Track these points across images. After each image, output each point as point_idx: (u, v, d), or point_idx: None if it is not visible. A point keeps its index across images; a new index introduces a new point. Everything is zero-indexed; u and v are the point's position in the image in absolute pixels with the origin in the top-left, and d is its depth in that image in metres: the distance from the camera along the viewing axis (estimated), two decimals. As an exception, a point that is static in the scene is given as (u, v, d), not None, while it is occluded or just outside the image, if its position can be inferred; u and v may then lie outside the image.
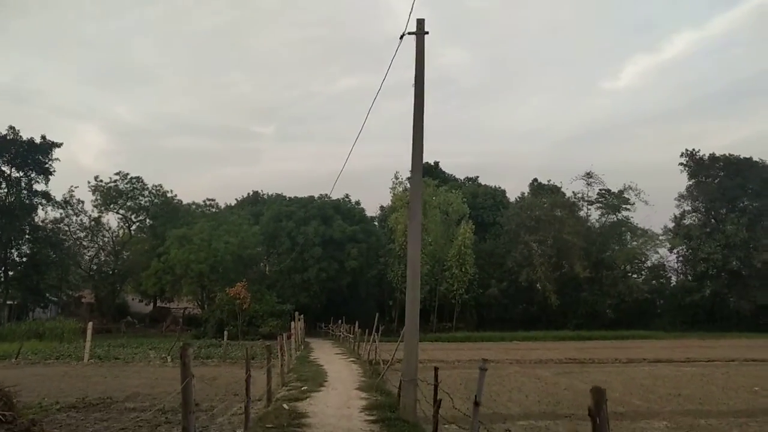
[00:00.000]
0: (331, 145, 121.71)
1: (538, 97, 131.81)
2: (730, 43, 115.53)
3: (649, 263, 62.06)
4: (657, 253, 61.10)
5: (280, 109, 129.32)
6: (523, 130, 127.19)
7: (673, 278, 62.46)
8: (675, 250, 60.74)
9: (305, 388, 15.63)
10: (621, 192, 61.88)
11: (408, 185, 60.88)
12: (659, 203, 60.66)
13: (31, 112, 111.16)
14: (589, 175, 62.21)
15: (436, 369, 9.11)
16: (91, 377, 22.16)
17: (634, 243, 60.86)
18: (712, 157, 61.24)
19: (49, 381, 21.11)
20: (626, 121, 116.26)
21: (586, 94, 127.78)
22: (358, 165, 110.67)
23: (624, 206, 61.98)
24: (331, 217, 52.36)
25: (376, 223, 61.42)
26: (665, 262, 61.82)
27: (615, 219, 62.54)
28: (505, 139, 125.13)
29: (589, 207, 64.16)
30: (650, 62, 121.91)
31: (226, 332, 30.74)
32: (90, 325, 28.38)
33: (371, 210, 64.27)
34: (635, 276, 61.98)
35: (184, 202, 59.20)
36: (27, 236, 48.91)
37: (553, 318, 55.47)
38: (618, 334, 47.81)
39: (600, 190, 63.07)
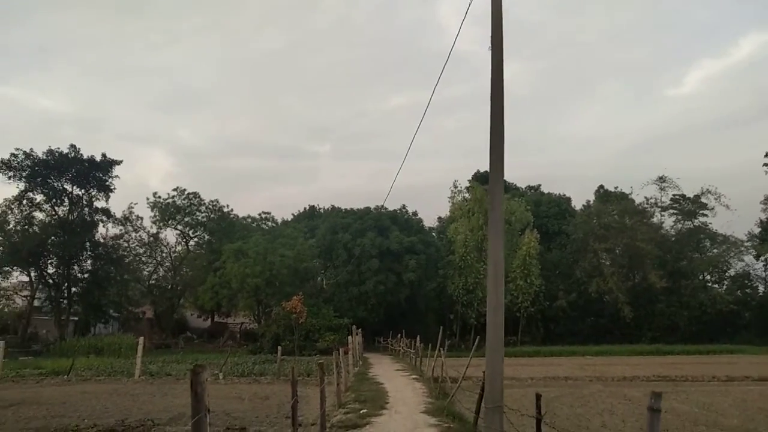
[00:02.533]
0: (386, 162, 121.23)
1: (597, 106, 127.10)
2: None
3: (732, 272, 57.24)
4: (742, 260, 56.30)
5: (336, 128, 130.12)
6: (584, 139, 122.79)
7: (761, 288, 57.32)
8: (762, 258, 55.76)
9: (364, 411, 13.75)
10: (697, 197, 57.56)
11: (467, 195, 58.80)
12: (740, 209, 55.81)
13: (99, 139, 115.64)
14: (662, 179, 58.21)
15: (538, 397, 7.03)
16: (139, 395, 21.02)
17: (715, 250, 56.33)
18: (801, 155, 56.20)
19: (95, 399, 20.07)
20: (693, 128, 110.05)
21: (648, 101, 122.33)
22: (414, 180, 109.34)
23: (701, 212, 57.63)
24: (388, 228, 50.63)
25: (434, 234, 59.21)
26: (751, 271, 56.81)
27: (691, 225, 58.19)
28: (566, 150, 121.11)
29: (663, 213, 59.98)
30: (716, 66, 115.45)
31: (280, 348, 29.34)
32: (141, 340, 27.44)
33: (428, 222, 62.27)
34: (716, 286, 57.33)
35: (240, 216, 58.80)
36: (88, 253, 49.30)
37: (626, 331, 51.69)
38: (701, 348, 43.90)
39: (674, 195, 58.95)
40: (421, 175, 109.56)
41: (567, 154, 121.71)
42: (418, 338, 28.19)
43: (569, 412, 15.49)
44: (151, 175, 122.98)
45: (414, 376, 23.20)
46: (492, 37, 9.60)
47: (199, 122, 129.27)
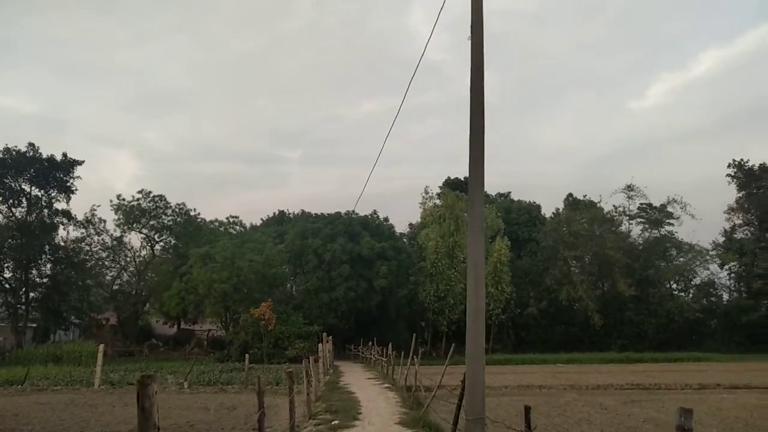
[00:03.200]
0: (357, 168, 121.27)
1: (565, 116, 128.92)
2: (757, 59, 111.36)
3: (697, 280, 58.21)
4: (707, 269, 57.27)
5: (306, 133, 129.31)
6: (553, 149, 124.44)
7: (725, 296, 58.41)
8: (727, 266, 56.85)
9: (336, 422, 13.12)
10: (664, 206, 58.44)
11: (438, 201, 58.56)
12: (704, 218, 56.98)
13: (64, 140, 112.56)
14: (629, 188, 58.98)
15: (527, 410, 6.53)
16: (98, 406, 20.01)
17: (681, 259, 57.19)
18: (763, 167, 57.69)
19: (51, 410, 19.00)
20: (656, 140, 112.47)
21: (613, 113, 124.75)
22: (384, 187, 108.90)
23: (667, 220, 58.52)
24: (359, 233, 49.99)
25: (405, 241, 58.79)
26: (716, 279, 57.82)
27: (658, 234, 59.00)
28: (535, 159, 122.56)
29: (630, 222, 60.74)
30: (677, 80, 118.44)
31: (247, 356, 28.47)
32: (101, 347, 26.31)
33: (399, 229, 61.81)
34: (682, 294, 58.18)
35: (208, 220, 57.40)
36: (47, 256, 47.44)
37: (595, 339, 52.01)
38: (670, 356, 44.33)
39: (641, 204, 59.72)
40: (391, 181, 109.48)
41: (536, 162, 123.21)
42: (390, 346, 27.62)
43: (547, 422, 15.12)
44: (116, 178, 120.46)
45: (386, 385, 22.62)
46: (472, 32, 9.18)
47: (168, 125, 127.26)
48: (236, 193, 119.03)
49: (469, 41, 9.09)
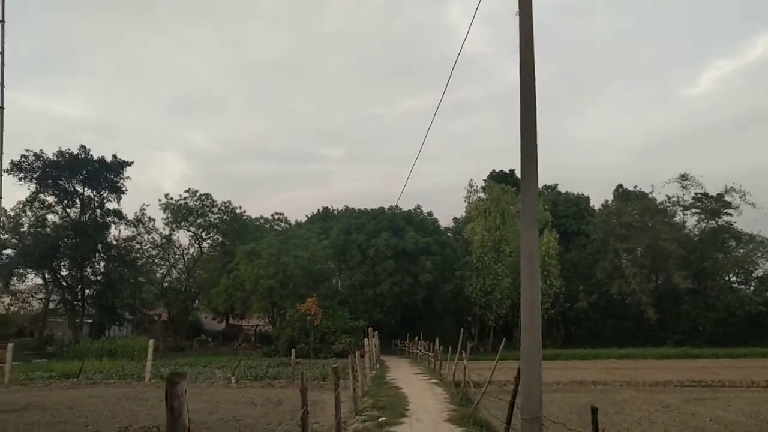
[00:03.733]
0: (399, 165, 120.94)
1: (610, 107, 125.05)
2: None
3: (759, 272, 55.41)
4: (772, 261, 54.43)
5: (347, 131, 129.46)
6: (597, 141, 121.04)
7: (790, 288, 55.39)
8: (792, 257, 54.02)
9: (383, 418, 12.76)
10: (721, 195, 55.85)
11: (483, 195, 57.49)
12: (765, 207, 54.07)
13: (115, 144, 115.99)
14: (684, 177, 56.62)
15: (594, 410, 5.99)
16: (147, 399, 20.26)
17: (741, 250, 54.58)
18: (829, 151, 54.46)
19: (103, 403, 19.33)
20: (710, 128, 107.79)
21: (662, 101, 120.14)
22: (427, 183, 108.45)
23: (725, 210, 55.93)
24: (403, 228, 49.59)
25: (449, 235, 58.01)
26: (779, 272, 54.94)
27: (715, 225, 56.50)
28: (580, 151, 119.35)
29: (685, 212, 58.38)
30: (730, 66, 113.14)
31: (294, 350, 28.45)
32: (151, 342, 26.72)
33: (444, 224, 61.05)
34: (743, 287, 55.55)
35: (253, 218, 57.97)
36: (101, 254, 48.82)
37: (649, 333, 50.17)
38: (731, 351, 42.35)
39: (696, 194, 57.29)
40: (434, 177, 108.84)
41: (583, 154, 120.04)
42: (437, 341, 27.14)
43: (605, 420, 14.40)
44: (165, 179, 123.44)
45: (433, 381, 22.18)
46: (520, 5, 8.59)
47: (212, 126, 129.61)
48: (279, 191, 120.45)
49: (517, 16, 8.51)
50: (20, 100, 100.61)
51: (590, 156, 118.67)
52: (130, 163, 48.75)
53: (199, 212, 55.10)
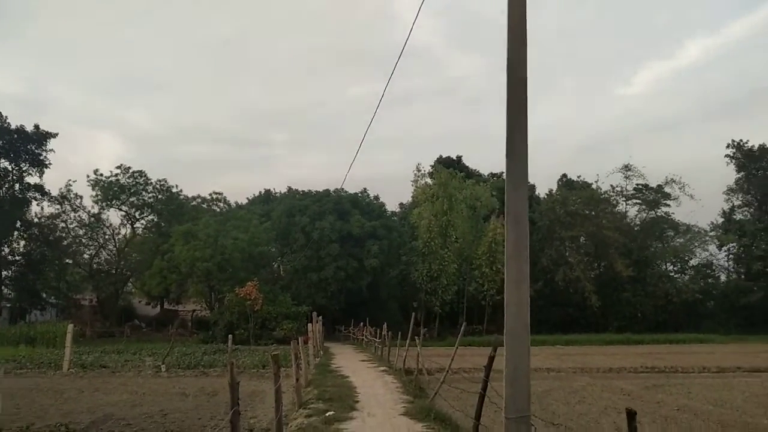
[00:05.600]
0: (345, 153, 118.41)
1: (553, 101, 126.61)
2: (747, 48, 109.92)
3: (694, 261, 56.94)
4: (706, 250, 56.00)
5: (293, 116, 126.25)
6: (542, 132, 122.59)
7: (723, 277, 57.25)
8: (725, 248, 55.64)
9: (331, 413, 11.25)
10: (661, 186, 56.95)
11: (429, 180, 56.45)
12: (701, 200, 55.58)
13: (46, 121, 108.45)
14: (627, 167, 57.36)
15: (631, 416, 4.61)
16: (64, 391, 18.08)
17: (680, 240, 55.87)
18: (762, 148, 56.28)
19: (9, 397, 16.92)
20: (643, 126, 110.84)
21: (601, 99, 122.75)
22: (374, 171, 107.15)
23: (665, 201, 57.10)
24: (349, 211, 47.96)
25: (396, 220, 56.79)
26: (714, 260, 56.61)
27: (654, 215, 57.63)
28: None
29: (627, 203, 59.26)
30: (664, 68, 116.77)
31: (231, 337, 26.61)
32: (70, 327, 24.35)
33: (390, 209, 59.74)
34: (678, 276, 56.97)
35: (190, 197, 54.83)
36: (20, 233, 44.96)
37: (592, 320, 50.69)
38: (670, 337, 43.23)
39: (637, 184, 58.21)
40: (381, 167, 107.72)
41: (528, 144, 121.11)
42: (384, 326, 25.83)
43: (568, 410, 13.41)
44: (101, 160, 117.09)
45: (382, 368, 20.84)
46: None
47: (152, 107, 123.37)
48: (222, 174, 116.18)
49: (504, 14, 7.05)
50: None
51: (536, 149, 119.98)
52: (54, 135, 45.10)
53: (132, 190, 51.58)
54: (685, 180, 55.54)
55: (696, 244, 55.74)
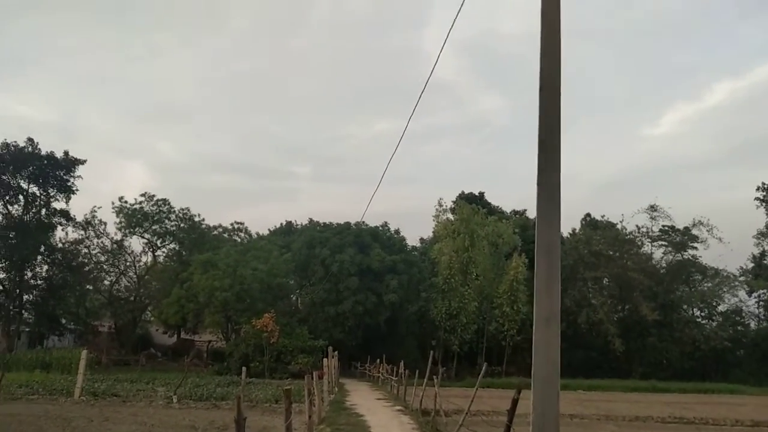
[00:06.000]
0: (368, 186, 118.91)
1: (577, 141, 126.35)
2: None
3: (722, 308, 55.17)
4: (735, 296, 54.30)
5: (317, 150, 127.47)
6: (566, 172, 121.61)
7: (753, 324, 55.31)
8: (755, 294, 53.89)
9: (344, 453, 10.74)
10: (688, 228, 55.69)
11: (451, 216, 56.06)
12: (731, 243, 54.18)
13: (77, 149, 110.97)
14: (653, 208, 56.18)
15: None
16: (72, 419, 17.74)
17: (708, 284, 54.30)
18: (794, 190, 55.01)
19: (17, 424, 16.73)
20: (672, 167, 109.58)
21: (626, 140, 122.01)
22: (396, 205, 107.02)
23: (692, 244, 55.74)
24: (369, 245, 47.60)
25: (416, 254, 56.23)
26: (743, 307, 54.80)
27: (681, 258, 56.24)
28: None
29: (652, 244, 58.00)
30: (690, 110, 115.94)
31: (245, 369, 26.17)
32: (84, 353, 24.18)
33: (411, 243, 59.20)
34: (706, 321, 55.22)
35: (212, 225, 55.07)
36: (43, 257, 45.35)
37: (615, 365, 49.15)
38: (699, 386, 41.56)
39: (663, 226, 57.03)
40: (403, 201, 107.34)
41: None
42: (401, 364, 25.19)
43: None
44: (127, 188, 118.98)
45: (398, 408, 20.19)
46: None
47: (178, 138, 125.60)
48: (244, 207, 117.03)
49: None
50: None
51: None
52: (82, 162, 45.84)
53: (155, 218, 52.00)
54: (713, 222, 54.28)
55: (725, 290, 54.12)
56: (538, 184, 6.35)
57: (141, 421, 17.84)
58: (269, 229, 63.11)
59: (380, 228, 52.49)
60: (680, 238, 55.87)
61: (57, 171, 44.21)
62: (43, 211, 44.97)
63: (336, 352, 33.75)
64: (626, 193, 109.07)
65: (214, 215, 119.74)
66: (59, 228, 46.68)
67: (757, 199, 56.40)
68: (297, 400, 18.14)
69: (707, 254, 54.94)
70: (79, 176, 45.54)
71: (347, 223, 50.97)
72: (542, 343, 6.16)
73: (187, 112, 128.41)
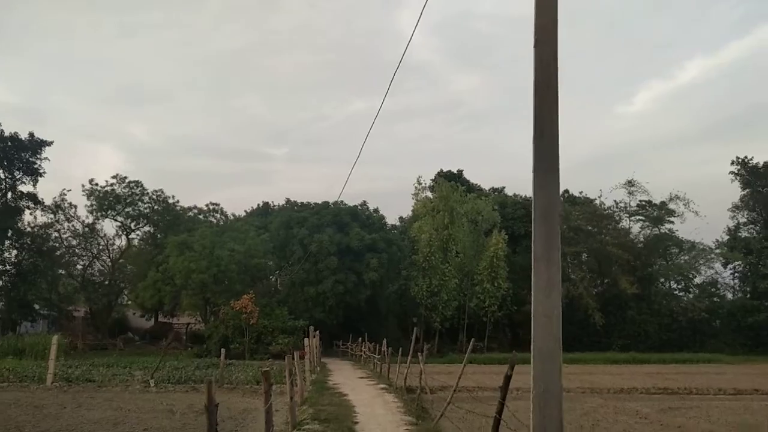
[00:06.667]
0: (345, 167, 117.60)
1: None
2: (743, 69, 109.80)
3: (698, 280, 55.98)
4: (711, 268, 55.06)
5: (293, 131, 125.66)
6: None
7: (729, 295, 56.25)
8: (731, 265, 54.73)
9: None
10: (665, 203, 56.10)
11: (430, 194, 55.73)
12: (706, 217, 54.86)
13: (46, 132, 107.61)
14: (630, 183, 56.44)
15: None
16: (45, 407, 17.03)
17: (685, 257, 54.94)
18: (767, 165, 55.62)
19: (-16, 412, 15.99)
20: (645, 144, 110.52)
21: (600, 118, 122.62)
22: (373, 186, 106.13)
23: (669, 218, 56.21)
24: (348, 224, 47.01)
25: (396, 233, 55.85)
26: (719, 279, 55.65)
27: (658, 231, 56.74)
28: (520, 163, 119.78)
29: (630, 219, 58.36)
30: (664, 87, 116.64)
31: (223, 350, 25.58)
32: (55, 338, 23.37)
33: (390, 222, 58.76)
34: (683, 294, 56.00)
35: (186, 207, 53.93)
36: (11, 242, 43.92)
37: (595, 338, 49.49)
38: (677, 357, 42.15)
39: (641, 201, 57.37)
40: (381, 182, 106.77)
41: (523, 167, 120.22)
42: (384, 342, 24.86)
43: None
44: (101, 172, 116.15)
45: (382, 386, 19.84)
46: None
47: (152, 120, 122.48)
48: (220, 189, 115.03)
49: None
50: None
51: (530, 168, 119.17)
52: (49, 143, 44.28)
53: (128, 200, 50.67)
54: (689, 197, 54.74)
55: (701, 262, 54.85)
56: (534, 138, 5.82)
57: (116, 406, 17.21)
58: (245, 211, 62.13)
59: (359, 207, 51.91)
60: (657, 212, 56.27)
61: (22, 153, 42.63)
62: (9, 194, 43.40)
63: (317, 332, 33.38)
64: (603, 170, 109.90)
65: (190, 198, 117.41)
66: (27, 212, 45.27)
67: (731, 173, 57.00)
68: (278, 381, 17.72)
69: (684, 228, 55.59)
70: (46, 158, 44.09)
71: (325, 203, 50.29)
72: (542, 314, 5.72)
73: (161, 95, 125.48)
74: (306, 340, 26.91)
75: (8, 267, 44.36)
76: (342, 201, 48.95)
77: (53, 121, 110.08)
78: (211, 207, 55.40)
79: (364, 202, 53.14)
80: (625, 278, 50.04)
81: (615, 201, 57.74)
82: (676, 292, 56.35)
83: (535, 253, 5.75)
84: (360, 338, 35.44)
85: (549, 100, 5.79)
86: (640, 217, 57.94)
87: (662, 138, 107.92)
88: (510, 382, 8.00)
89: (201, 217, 53.95)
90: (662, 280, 56.39)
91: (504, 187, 68.76)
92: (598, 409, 16.29)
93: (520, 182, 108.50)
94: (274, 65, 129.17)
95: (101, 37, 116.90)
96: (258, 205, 62.69)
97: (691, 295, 55.03)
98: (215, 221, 54.28)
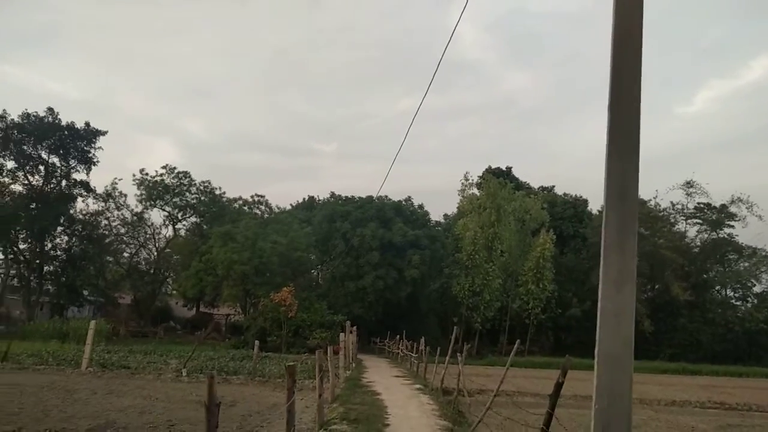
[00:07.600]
0: (391, 165, 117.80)
1: (602, 119, 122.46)
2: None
3: (757, 288, 52.92)
4: (773, 276, 51.96)
5: (341, 128, 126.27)
6: (591, 151, 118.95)
7: (791, 307, 52.98)
8: (795, 274, 51.58)
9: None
10: (725, 206, 53.21)
11: (477, 191, 54.37)
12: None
13: (109, 127, 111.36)
14: (689, 184, 53.83)
15: None
16: (76, 391, 16.94)
17: (744, 264, 52.05)
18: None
19: (19, 395, 15.95)
20: (702, 146, 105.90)
21: (656, 118, 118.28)
22: (419, 183, 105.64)
23: (728, 222, 53.31)
24: (391, 219, 46.35)
25: (440, 230, 54.85)
26: (780, 288, 52.46)
27: (716, 236, 53.92)
28: (577, 157, 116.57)
29: (687, 222, 55.68)
30: (726, 87, 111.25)
31: (257, 343, 25.27)
32: (92, 323, 23.51)
33: (434, 219, 57.77)
34: (740, 303, 53.09)
35: (231, 197, 54.37)
36: (64, 228, 45.11)
37: (643, 346, 47.13)
38: (731, 369, 39.84)
39: (699, 203, 54.62)
40: (427, 179, 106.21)
41: (579, 166, 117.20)
42: (422, 341, 24.08)
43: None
44: (155, 164, 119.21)
45: (417, 386, 19.08)
46: None
47: (204, 115, 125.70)
48: (268, 183, 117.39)
49: None
50: (9, 75, 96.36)
51: (588, 165, 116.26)
52: (103, 133, 45.27)
53: (176, 191, 51.45)
54: (753, 200, 51.71)
55: (762, 270, 51.82)
56: (609, 109, 4.91)
57: (146, 394, 16.99)
58: (291, 204, 62.22)
59: (403, 202, 51.14)
60: (716, 215, 53.52)
61: (78, 142, 43.70)
62: (64, 182, 44.59)
63: (355, 328, 32.85)
64: (659, 171, 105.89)
65: (237, 191, 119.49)
66: (79, 199, 46.43)
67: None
68: (312, 377, 17.18)
69: (745, 233, 52.73)
70: (99, 147, 45.10)
71: (369, 197, 49.72)
72: (610, 312, 4.81)
73: (214, 91, 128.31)
74: (342, 335, 26.38)
75: (59, 252, 45.46)
76: (386, 196, 48.35)
77: (115, 116, 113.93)
78: (256, 199, 55.67)
79: (409, 197, 52.39)
80: (678, 284, 47.73)
81: (672, 203, 55.22)
82: (733, 300, 53.46)
83: (606, 239, 4.81)
84: (398, 336, 34.75)
85: (630, 60, 4.86)
86: (698, 220, 55.25)
87: (722, 139, 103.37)
88: (561, 390, 7.12)
89: (246, 208, 54.27)
90: (718, 287, 53.64)
91: (554, 186, 66.86)
92: (649, 422, 15.12)
93: (570, 182, 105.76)
94: (322, 62, 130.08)
95: (154, 33, 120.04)
96: (303, 199, 62.75)
97: (749, 305, 52.10)
98: (260, 213, 54.54)
